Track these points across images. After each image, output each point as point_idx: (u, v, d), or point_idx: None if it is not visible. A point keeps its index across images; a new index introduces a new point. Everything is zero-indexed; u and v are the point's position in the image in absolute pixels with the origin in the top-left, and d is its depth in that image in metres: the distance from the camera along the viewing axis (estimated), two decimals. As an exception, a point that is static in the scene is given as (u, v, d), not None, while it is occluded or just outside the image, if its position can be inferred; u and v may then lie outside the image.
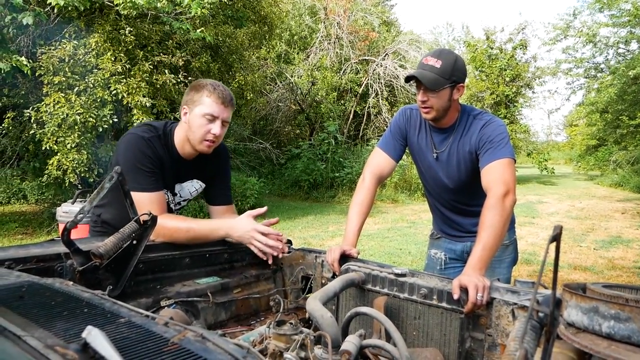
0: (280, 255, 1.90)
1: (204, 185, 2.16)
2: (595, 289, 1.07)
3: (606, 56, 20.19)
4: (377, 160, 2.22)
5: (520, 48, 20.88)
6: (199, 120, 1.88)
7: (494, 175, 1.85)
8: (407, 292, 1.51)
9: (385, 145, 2.23)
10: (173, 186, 2.07)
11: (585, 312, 1.01)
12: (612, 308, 0.97)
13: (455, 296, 1.42)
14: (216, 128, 1.89)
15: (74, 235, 1.34)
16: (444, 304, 1.44)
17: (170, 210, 2.05)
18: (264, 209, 1.96)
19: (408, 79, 2.00)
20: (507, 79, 20.28)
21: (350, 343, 1.09)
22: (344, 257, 1.79)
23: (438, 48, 2.12)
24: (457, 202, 2.24)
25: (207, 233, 1.82)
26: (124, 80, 6.90)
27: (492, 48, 20.96)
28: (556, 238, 0.87)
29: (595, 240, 8.37)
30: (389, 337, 1.18)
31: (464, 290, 1.41)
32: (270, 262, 1.90)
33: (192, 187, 2.13)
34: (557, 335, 1.05)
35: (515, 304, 1.36)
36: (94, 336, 0.67)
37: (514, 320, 1.36)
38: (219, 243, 1.88)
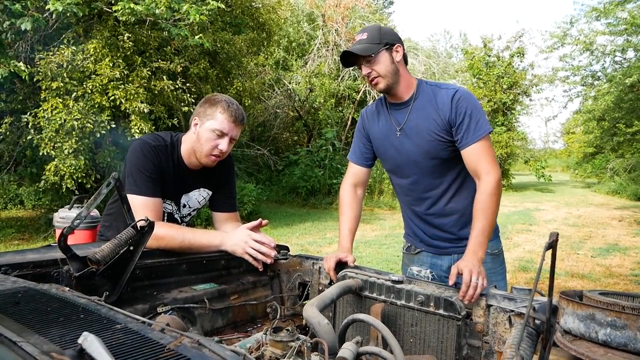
0: (270, 262, 1.90)
1: (211, 193, 2.17)
2: (592, 296, 1.07)
3: (603, 64, 20.29)
4: (351, 171, 2.23)
5: (518, 56, 21.01)
6: (209, 134, 1.91)
7: (482, 159, 1.86)
8: (404, 299, 1.50)
9: (353, 154, 2.24)
10: (179, 197, 2.08)
11: (581, 320, 1.02)
12: (608, 315, 0.98)
13: (451, 282, 1.46)
14: (224, 144, 1.92)
15: (71, 241, 1.34)
16: (441, 311, 1.44)
17: (174, 222, 2.06)
18: (265, 221, 1.98)
19: (344, 59, 1.98)
20: (505, 86, 20.38)
21: (347, 350, 1.09)
22: (341, 264, 1.80)
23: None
24: (430, 191, 2.06)
25: (201, 243, 1.83)
26: (122, 86, 6.91)
27: (489, 56, 21.07)
28: (552, 245, 0.87)
29: (592, 248, 8.38)
30: (385, 344, 1.18)
31: (460, 275, 1.44)
32: (261, 269, 1.91)
33: (199, 196, 2.14)
34: (554, 342, 1.05)
35: (512, 311, 1.36)
36: (90, 342, 0.67)
37: (511, 328, 1.36)
38: (216, 249, 1.88)
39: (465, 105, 1.90)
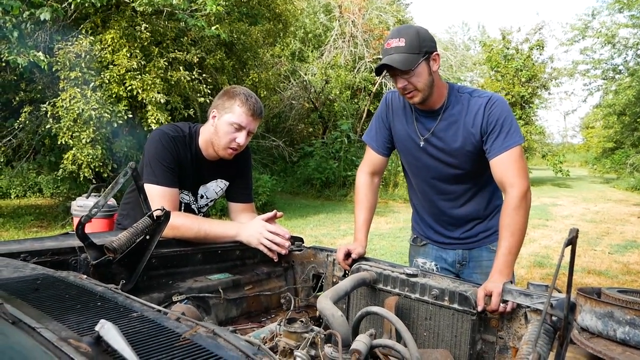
0: (284, 252, 1.91)
1: (228, 184, 2.18)
2: (610, 294, 1.05)
3: (625, 57, 19.92)
4: (369, 158, 2.13)
5: (537, 48, 20.66)
6: (227, 127, 1.91)
7: (511, 169, 1.74)
8: (419, 293, 1.50)
9: (372, 140, 2.11)
10: (196, 188, 2.09)
11: (599, 317, 1.00)
12: (627, 314, 0.96)
13: (480, 308, 1.39)
14: (241, 138, 1.93)
15: (88, 229, 1.35)
16: (455, 305, 1.43)
17: (191, 212, 2.07)
18: (280, 213, 1.98)
19: (379, 71, 1.84)
20: (523, 79, 20.08)
21: (361, 342, 1.09)
22: (354, 257, 1.81)
23: (395, 28, 1.93)
24: (447, 200, 2.04)
25: (217, 234, 1.84)
26: (139, 77, 6.95)
27: (508, 48, 20.77)
28: (572, 241, 0.86)
29: (610, 244, 8.26)
30: (399, 337, 1.17)
31: (489, 296, 1.40)
32: (275, 259, 1.92)
33: (217, 187, 2.15)
34: (571, 339, 1.04)
35: (528, 307, 1.35)
36: (107, 330, 0.68)
37: (527, 324, 1.35)
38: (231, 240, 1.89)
39: (498, 113, 1.80)
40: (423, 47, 1.77)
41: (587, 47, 20.93)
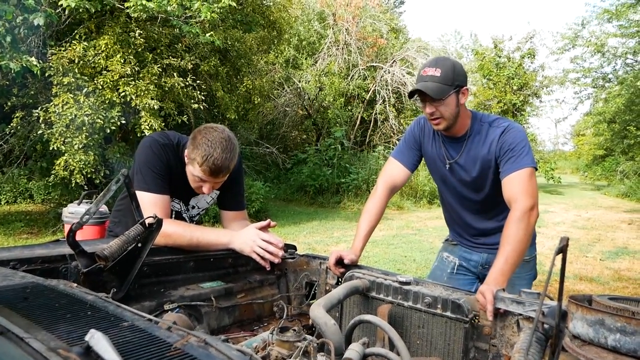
0: (277, 261, 1.89)
1: (219, 192, 2.16)
2: (601, 301, 1.06)
3: (614, 66, 20.14)
4: (391, 170, 2.21)
5: (528, 57, 20.87)
6: (191, 176, 1.88)
7: (517, 187, 1.83)
8: (412, 301, 1.50)
9: (400, 154, 2.22)
10: (187, 199, 2.08)
11: (591, 325, 1.01)
12: (618, 321, 0.96)
13: (489, 315, 1.38)
14: (206, 189, 1.88)
15: (79, 236, 1.34)
16: (448, 313, 1.43)
17: (182, 220, 2.06)
18: (273, 223, 1.97)
19: (412, 95, 1.98)
20: (515, 87, 20.26)
21: (354, 351, 1.08)
22: (346, 263, 1.81)
23: (433, 57, 2.10)
24: (472, 215, 2.21)
25: (209, 241, 1.82)
26: (133, 83, 6.94)
27: (500, 56, 20.95)
28: (562, 250, 0.86)
29: (601, 251, 8.31)
30: (392, 346, 1.17)
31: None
32: (268, 268, 1.90)
33: (208, 197, 2.14)
34: (563, 347, 1.04)
35: (521, 314, 1.35)
36: (97, 340, 0.67)
37: (519, 331, 1.35)
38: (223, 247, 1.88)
39: (511, 139, 1.93)
40: (456, 80, 1.93)
41: (577, 56, 21.14)
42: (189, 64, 7.82)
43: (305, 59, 16.76)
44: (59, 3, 6.09)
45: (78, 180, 6.75)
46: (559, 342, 1.03)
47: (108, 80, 6.81)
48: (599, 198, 20.57)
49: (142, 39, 7.20)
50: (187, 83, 7.62)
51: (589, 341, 1.01)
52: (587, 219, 12.88)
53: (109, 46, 6.92)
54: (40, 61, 6.40)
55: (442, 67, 1.92)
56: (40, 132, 6.77)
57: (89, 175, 6.88)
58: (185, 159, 1.88)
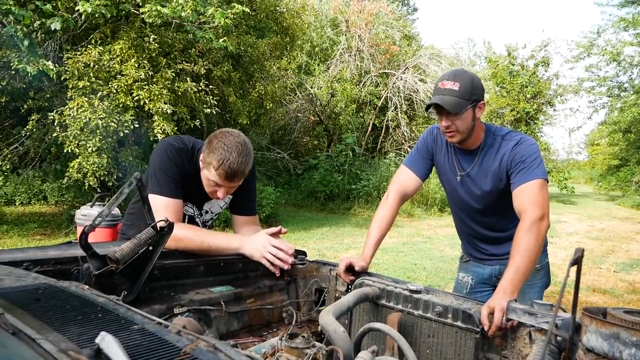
0: (287, 268, 1.89)
1: (231, 196, 2.16)
2: (617, 314, 1.04)
3: (630, 75, 19.96)
4: (403, 177, 2.21)
5: (542, 65, 20.70)
6: (206, 181, 1.88)
7: (527, 197, 1.82)
8: (422, 310, 1.48)
9: (412, 163, 2.22)
10: (201, 204, 2.09)
11: (605, 338, 0.99)
12: (634, 335, 0.95)
13: (486, 327, 1.37)
14: (220, 193, 1.88)
15: (92, 238, 1.35)
16: (459, 323, 1.42)
17: (195, 225, 2.06)
18: (285, 230, 1.96)
19: (428, 107, 1.98)
20: (528, 95, 20.09)
21: (363, 359, 1.07)
22: (356, 270, 1.80)
23: (451, 70, 2.08)
24: (482, 226, 2.20)
25: (220, 246, 1.82)
26: (147, 87, 7.01)
27: (513, 64, 20.80)
28: (577, 261, 0.85)
29: (615, 263, 8.19)
30: (401, 355, 1.16)
31: (492, 314, 1.38)
32: (278, 274, 1.90)
33: (221, 202, 2.15)
34: (576, 360, 1.03)
35: (533, 326, 1.33)
36: (107, 342, 0.67)
37: (531, 343, 1.33)
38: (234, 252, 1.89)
39: (522, 152, 1.92)
40: (473, 95, 1.92)
41: (592, 65, 21.00)
42: (202, 69, 7.88)
43: (318, 65, 16.82)
44: (76, 8, 6.19)
45: (91, 183, 6.82)
46: (573, 356, 1.01)
47: (122, 85, 6.89)
48: (613, 209, 20.30)
49: (156, 44, 7.28)
50: (200, 88, 7.68)
51: (603, 355, 0.99)
52: (600, 230, 12.71)
53: (124, 51, 7.00)
54: (57, 65, 6.50)
55: (461, 80, 1.91)
56: (55, 134, 6.86)
57: (102, 178, 6.95)
58: (201, 163, 1.89)
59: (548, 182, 1.94)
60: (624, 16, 17.90)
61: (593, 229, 12.99)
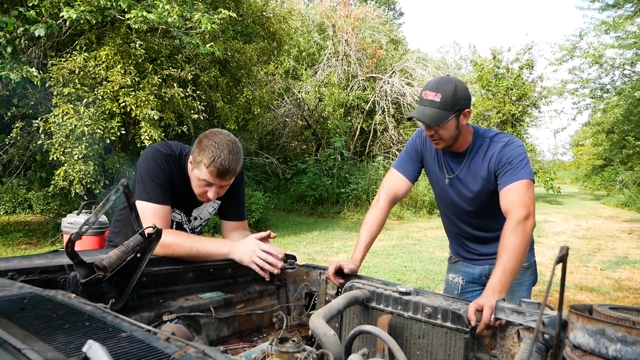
0: (277, 272, 1.88)
1: (220, 202, 2.15)
2: (602, 310, 1.05)
3: (612, 77, 20.27)
4: (392, 180, 2.22)
5: (527, 68, 20.91)
6: (197, 181, 1.86)
7: (513, 197, 1.84)
8: (412, 311, 1.49)
9: (401, 166, 2.23)
10: (190, 209, 2.07)
11: (591, 335, 1.00)
12: (619, 331, 0.96)
13: (473, 323, 1.39)
14: (211, 193, 1.86)
15: (78, 246, 1.34)
16: (448, 324, 1.42)
17: (183, 231, 2.05)
18: (274, 234, 1.96)
19: (411, 118, 1.99)
20: (514, 98, 20.27)
21: (353, 362, 1.08)
22: (345, 273, 1.81)
23: (436, 79, 2.03)
24: (471, 227, 2.22)
25: (209, 252, 1.81)
26: (133, 93, 6.96)
27: (498, 67, 20.98)
28: (562, 259, 0.86)
29: (601, 261, 8.29)
30: (392, 357, 1.17)
31: (480, 311, 1.39)
32: (267, 278, 1.89)
33: (210, 207, 2.14)
34: (563, 357, 1.04)
35: (521, 324, 1.35)
36: (95, 351, 0.67)
37: (519, 342, 1.34)
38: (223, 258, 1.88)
39: (510, 153, 1.94)
40: (456, 105, 1.91)
41: (575, 67, 21.28)
42: (189, 74, 7.85)
43: (305, 69, 16.84)
44: (60, 14, 6.13)
45: (77, 191, 6.75)
46: (560, 353, 1.02)
47: (108, 91, 6.83)
48: (599, 208, 20.55)
49: (142, 50, 7.24)
50: (187, 93, 7.64)
51: (589, 351, 1.00)
52: (587, 229, 12.85)
53: (110, 57, 6.95)
54: (41, 72, 6.43)
55: (443, 91, 1.90)
56: (40, 142, 6.78)
57: (88, 186, 6.88)
58: (189, 165, 1.88)
59: (534, 182, 1.97)
60: (605, 19, 18.20)
61: (579, 228, 13.14)
